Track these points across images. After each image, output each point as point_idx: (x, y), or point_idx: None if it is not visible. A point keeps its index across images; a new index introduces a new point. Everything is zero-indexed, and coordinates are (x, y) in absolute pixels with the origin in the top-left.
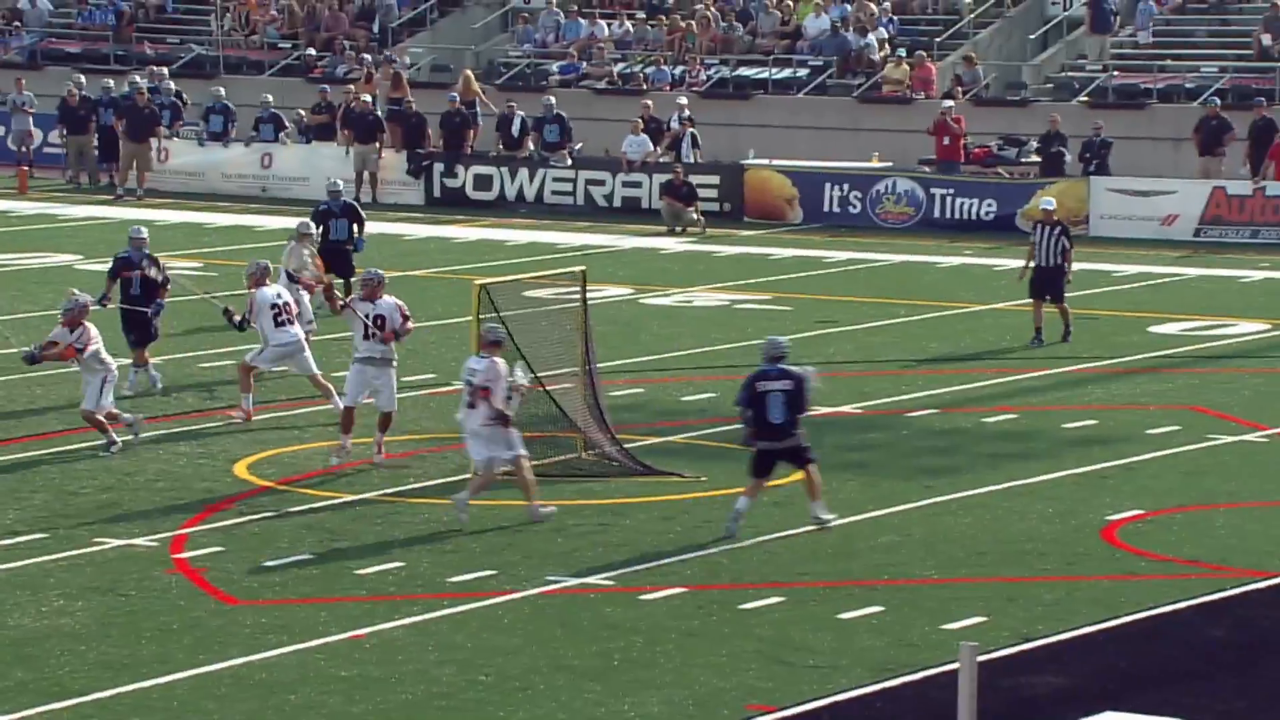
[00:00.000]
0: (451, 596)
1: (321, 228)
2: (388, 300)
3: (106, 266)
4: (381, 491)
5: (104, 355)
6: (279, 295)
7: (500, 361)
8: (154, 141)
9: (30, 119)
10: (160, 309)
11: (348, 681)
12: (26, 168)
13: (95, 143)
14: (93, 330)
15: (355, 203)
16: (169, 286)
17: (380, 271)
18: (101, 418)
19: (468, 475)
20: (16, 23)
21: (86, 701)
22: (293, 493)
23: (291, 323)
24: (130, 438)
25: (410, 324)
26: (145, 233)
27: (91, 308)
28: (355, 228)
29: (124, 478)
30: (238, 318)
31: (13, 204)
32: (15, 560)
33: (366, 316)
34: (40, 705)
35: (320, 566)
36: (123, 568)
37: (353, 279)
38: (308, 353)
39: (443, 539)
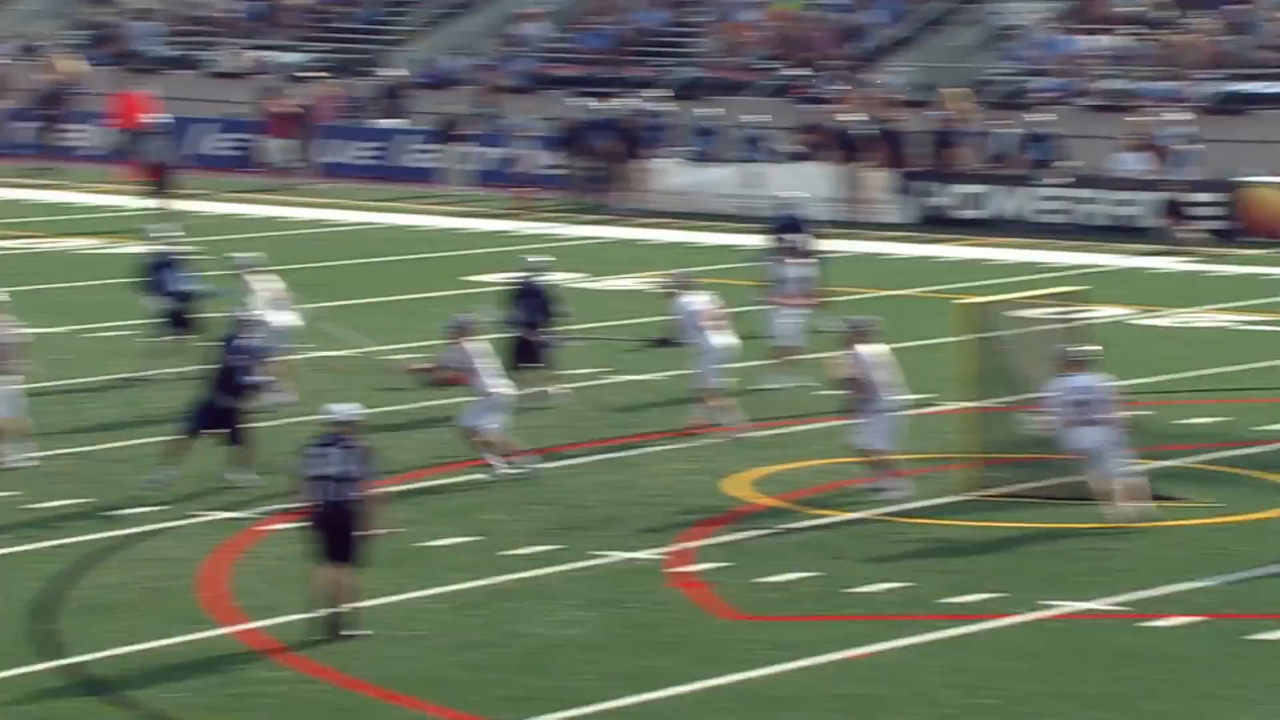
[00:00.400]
0: (953, 618)
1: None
2: None
3: (603, 285)
4: (882, 511)
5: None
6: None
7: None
8: (644, 163)
9: (530, 143)
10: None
11: (850, 700)
12: (526, 189)
13: (591, 164)
14: (474, 348)
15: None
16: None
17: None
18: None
19: (960, 497)
20: (515, 47)
21: (595, 711)
22: (792, 510)
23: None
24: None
25: None
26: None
27: None
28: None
29: (623, 492)
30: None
31: (511, 224)
32: (527, 570)
33: None
34: (552, 713)
35: (821, 584)
36: (626, 580)
37: None
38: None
39: (943, 559)
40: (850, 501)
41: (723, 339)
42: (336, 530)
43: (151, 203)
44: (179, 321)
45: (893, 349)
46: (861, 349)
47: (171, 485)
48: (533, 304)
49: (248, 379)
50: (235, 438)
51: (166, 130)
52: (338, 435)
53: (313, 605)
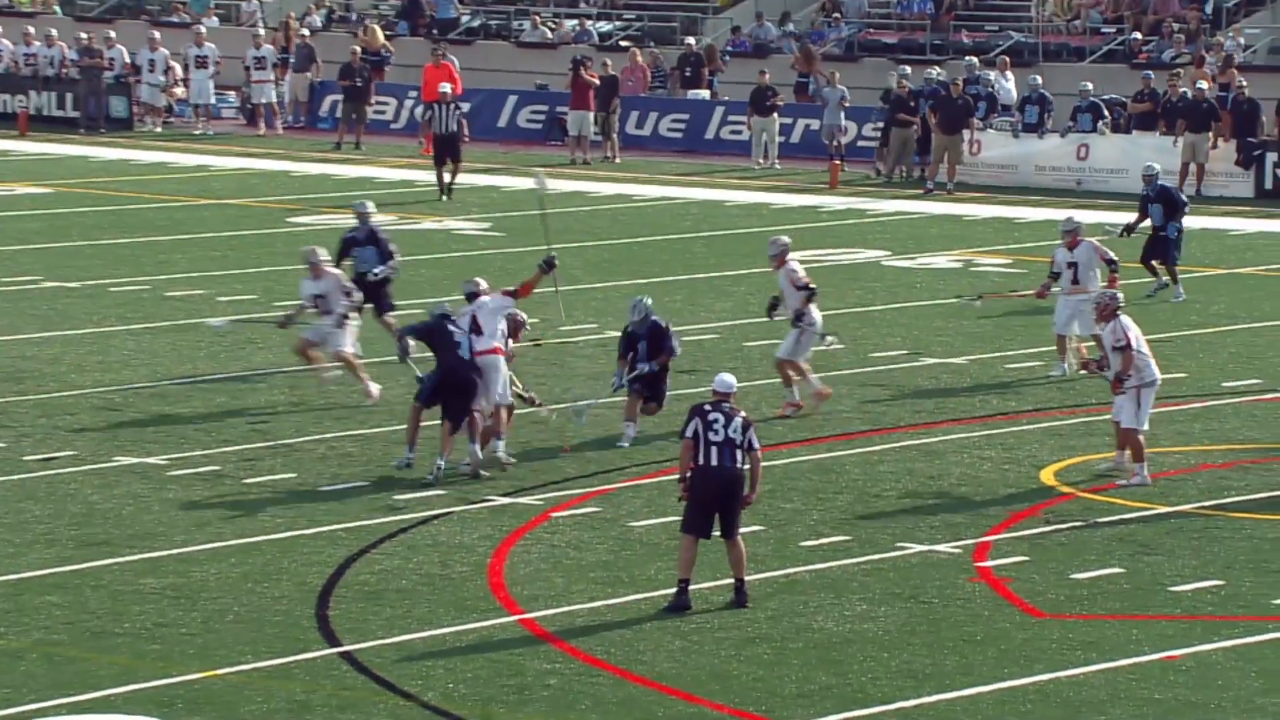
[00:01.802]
0: (1276, 620)
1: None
2: None
3: (913, 262)
4: (1199, 504)
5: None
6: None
7: None
8: (966, 133)
9: (843, 112)
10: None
11: (1161, 705)
12: (839, 162)
13: (910, 135)
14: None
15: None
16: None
17: None
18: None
19: None
20: (836, 14)
21: (889, 710)
22: (1101, 502)
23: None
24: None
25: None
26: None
27: None
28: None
29: (926, 481)
30: None
31: (823, 199)
32: (819, 562)
33: None
34: (844, 711)
35: (1131, 581)
36: (925, 574)
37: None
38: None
39: (1267, 557)
40: (1162, 494)
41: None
42: (728, 498)
43: (444, 178)
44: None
45: (1230, 330)
46: (1127, 320)
47: (437, 469)
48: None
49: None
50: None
51: (457, 103)
52: (719, 403)
53: (684, 576)
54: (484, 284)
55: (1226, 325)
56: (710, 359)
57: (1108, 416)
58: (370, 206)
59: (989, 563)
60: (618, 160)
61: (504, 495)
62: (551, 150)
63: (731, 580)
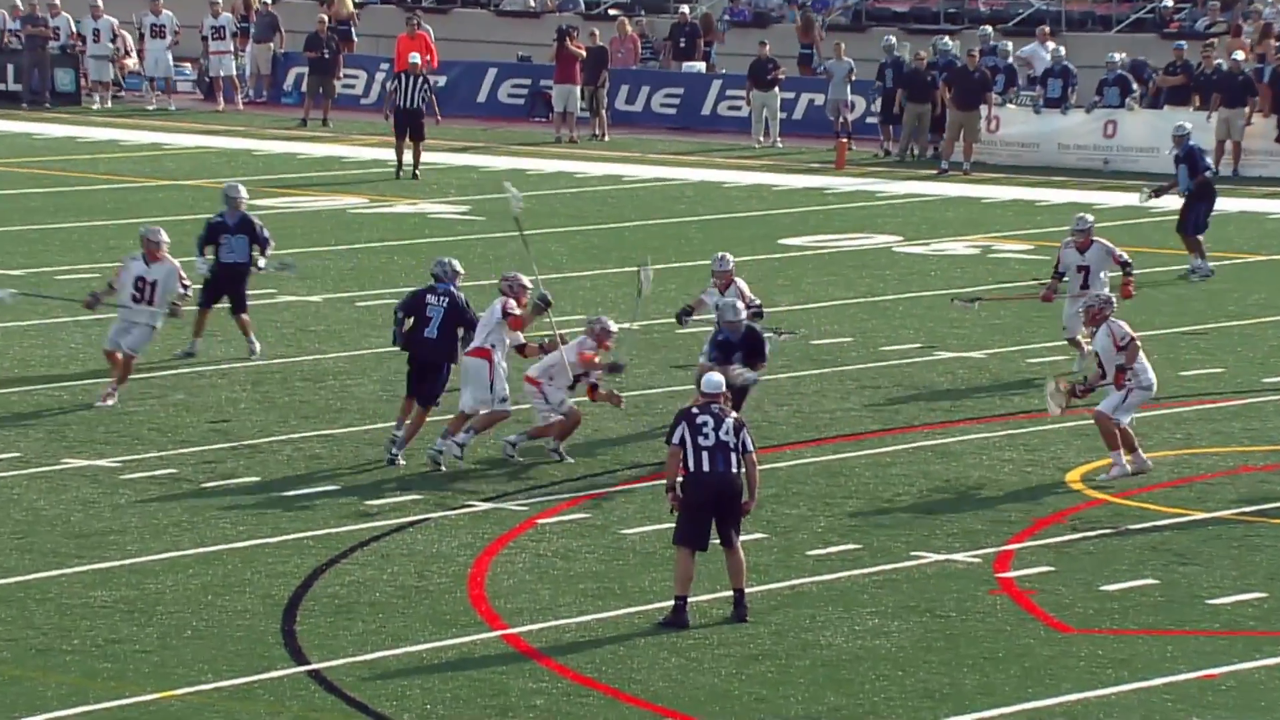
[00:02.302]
0: None
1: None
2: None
3: (927, 249)
4: (1238, 510)
5: None
6: None
7: None
8: (983, 109)
9: (849, 86)
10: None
11: None
12: (845, 140)
13: (923, 111)
14: None
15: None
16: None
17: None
18: None
19: None
20: None
21: None
22: (1133, 507)
23: None
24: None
25: None
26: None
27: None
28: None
29: (943, 485)
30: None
31: (829, 180)
32: (827, 573)
33: None
34: None
35: (1166, 594)
36: (942, 586)
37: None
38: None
39: None
40: (1199, 498)
41: None
42: (724, 506)
43: (404, 156)
44: (217, 290)
45: (1271, 322)
46: (1120, 321)
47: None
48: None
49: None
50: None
51: (425, 75)
52: (708, 404)
53: (681, 593)
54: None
55: (1267, 316)
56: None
57: (1142, 414)
58: (242, 191)
59: (1011, 573)
60: (606, 138)
61: (486, 500)
62: (535, 127)
63: (731, 592)
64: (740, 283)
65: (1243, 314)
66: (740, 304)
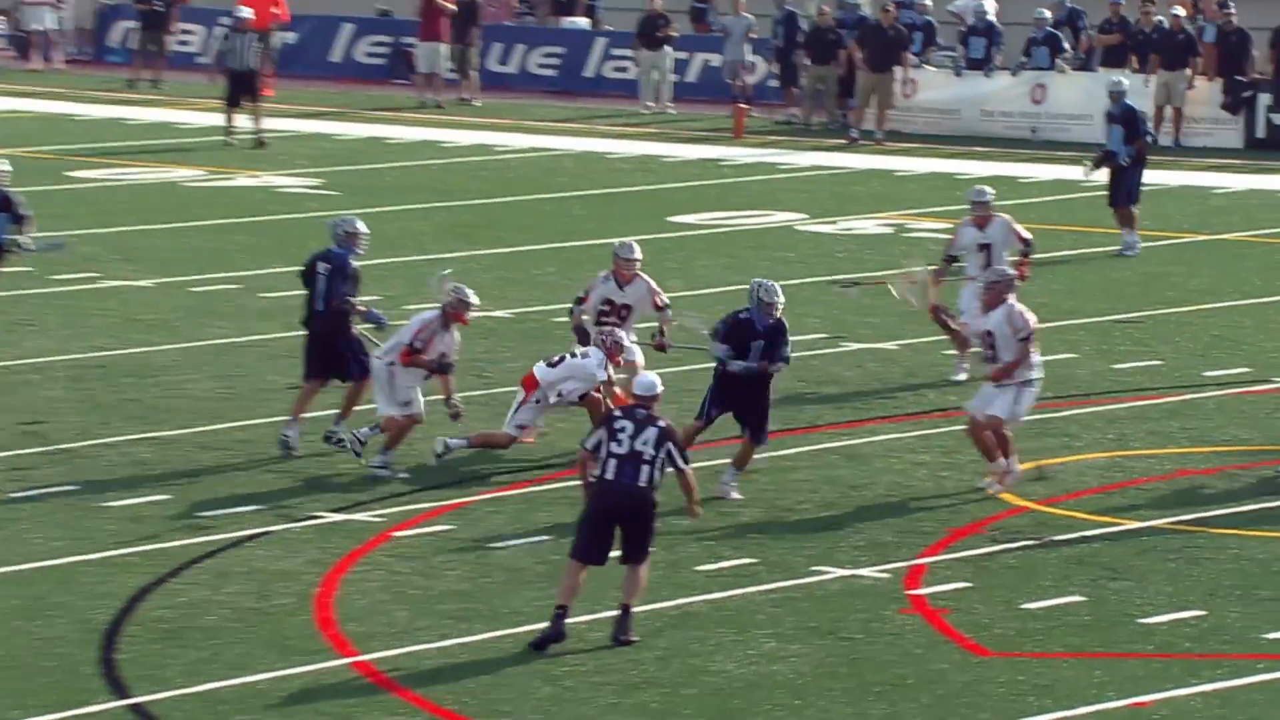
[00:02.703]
0: (1270, 658)
1: None
2: None
3: (834, 227)
4: (1175, 518)
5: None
6: None
7: None
8: (898, 71)
9: (748, 46)
10: None
11: None
12: (744, 105)
13: (830, 74)
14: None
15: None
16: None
17: None
18: None
19: None
20: None
21: None
22: (1059, 516)
23: None
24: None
25: None
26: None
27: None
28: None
29: (848, 491)
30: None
31: (726, 150)
32: (719, 590)
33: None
34: None
35: (1094, 612)
36: (846, 604)
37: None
38: None
39: (1256, 582)
40: (1132, 505)
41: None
42: (628, 521)
43: (234, 121)
44: None
45: (1214, 309)
46: (1023, 307)
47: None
48: None
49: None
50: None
51: (261, 34)
52: (635, 408)
53: (563, 602)
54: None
55: (1209, 303)
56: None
57: (1061, 414)
58: (5, 164)
59: (923, 590)
60: (477, 103)
61: (336, 511)
62: (396, 91)
63: (615, 613)
64: (649, 279)
65: (1182, 300)
66: (776, 285)
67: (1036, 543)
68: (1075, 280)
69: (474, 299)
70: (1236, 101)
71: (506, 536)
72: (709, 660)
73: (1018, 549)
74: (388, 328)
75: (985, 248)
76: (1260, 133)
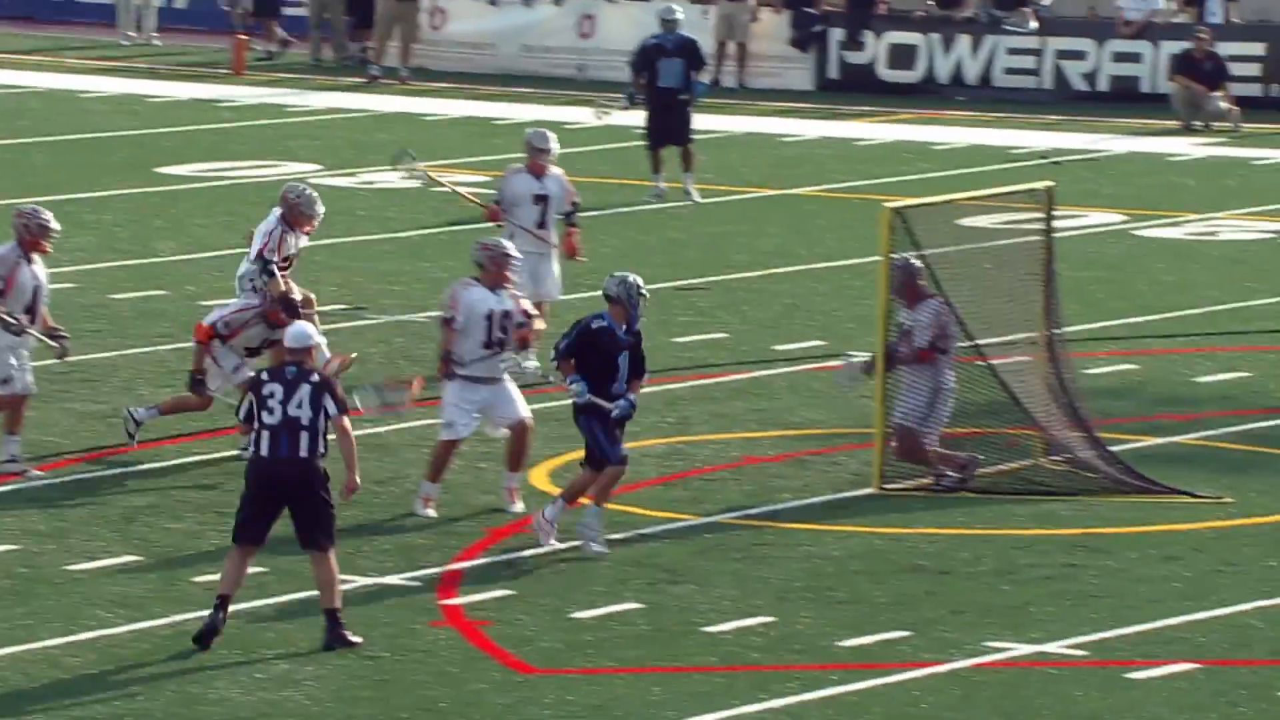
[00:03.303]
0: (845, 668)
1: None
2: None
3: (354, 180)
4: (742, 513)
5: None
6: None
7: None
8: None
9: None
10: None
11: None
12: (245, 37)
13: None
14: None
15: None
16: None
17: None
18: None
19: (862, 491)
20: None
21: None
22: (613, 510)
23: None
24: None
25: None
26: None
27: None
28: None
29: (371, 487)
30: None
31: (226, 89)
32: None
33: None
34: None
35: (653, 621)
36: (370, 617)
37: None
38: None
39: (830, 581)
40: (694, 499)
41: None
42: (294, 498)
43: None
44: None
45: (784, 274)
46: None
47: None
48: None
49: None
50: None
51: None
52: (284, 366)
53: (224, 592)
54: None
55: (779, 266)
56: (72, 319)
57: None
58: None
59: (459, 599)
60: None
61: None
62: None
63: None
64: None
65: (751, 264)
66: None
67: (586, 542)
68: (630, 242)
69: (54, 223)
70: (806, 37)
71: None
72: (208, 687)
73: (566, 550)
74: None
75: (542, 200)
76: (833, 73)
